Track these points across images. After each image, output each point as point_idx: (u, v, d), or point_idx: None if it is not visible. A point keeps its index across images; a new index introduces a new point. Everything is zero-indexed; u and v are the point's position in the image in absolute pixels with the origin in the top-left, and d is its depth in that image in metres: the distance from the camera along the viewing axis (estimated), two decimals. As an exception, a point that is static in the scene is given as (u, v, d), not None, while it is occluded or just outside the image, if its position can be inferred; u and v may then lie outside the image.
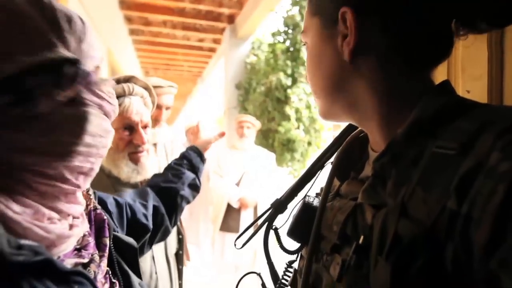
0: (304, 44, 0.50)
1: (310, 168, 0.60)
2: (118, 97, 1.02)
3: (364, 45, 0.41)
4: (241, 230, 2.75)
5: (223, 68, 4.95)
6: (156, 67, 7.50)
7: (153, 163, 1.09)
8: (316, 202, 0.51)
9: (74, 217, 0.47)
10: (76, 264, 0.44)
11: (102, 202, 0.71)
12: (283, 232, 0.58)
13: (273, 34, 4.43)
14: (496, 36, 0.65)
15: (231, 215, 2.76)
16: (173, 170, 1.08)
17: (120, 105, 1.01)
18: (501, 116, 0.32)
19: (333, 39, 0.43)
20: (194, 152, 1.16)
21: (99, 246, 0.51)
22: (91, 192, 0.55)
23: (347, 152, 0.51)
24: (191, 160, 1.13)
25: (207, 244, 3.13)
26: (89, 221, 0.52)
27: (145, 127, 1.06)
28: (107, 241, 0.52)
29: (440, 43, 0.42)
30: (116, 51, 4.67)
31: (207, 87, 8.39)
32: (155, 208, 0.93)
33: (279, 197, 0.61)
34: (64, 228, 0.43)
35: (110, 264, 0.52)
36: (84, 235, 0.48)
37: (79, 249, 0.46)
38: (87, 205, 0.53)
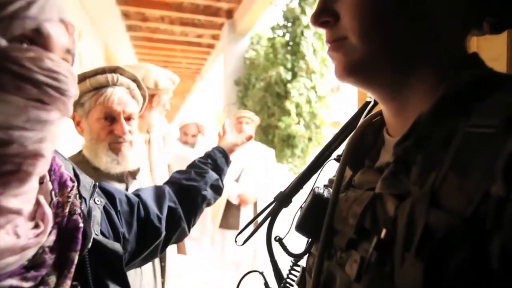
0: None
1: (317, 158, 0.55)
2: (101, 87, 0.99)
3: None
4: (241, 227, 2.72)
5: (222, 65, 4.90)
6: (154, 64, 7.44)
7: (137, 154, 1.06)
8: (327, 193, 0.46)
9: (35, 226, 0.37)
10: None
11: (110, 197, 0.67)
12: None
13: (273, 28, 4.37)
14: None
15: (230, 212, 2.73)
16: (197, 168, 1.04)
17: (102, 94, 0.99)
18: None
19: None
20: (220, 153, 1.12)
21: (66, 262, 0.40)
22: (72, 193, 0.45)
23: (360, 138, 0.46)
24: (216, 160, 1.09)
25: (206, 242, 3.10)
26: (58, 230, 0.41)
27: (128, 118, 1.04)
28: (76, 256, 0.41)
29: None
30: (113, 48, 4.62)
31: (206, 84, 8.33)
32: (171, 209, 0.88)
33: (283, 189, 0.56)
34: None
35: (83, 277, 0.42)
36: (43, 251, 0.38)
37: (28, 268, 0.36)
38: (63, 210, 0.42)
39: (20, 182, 0.35)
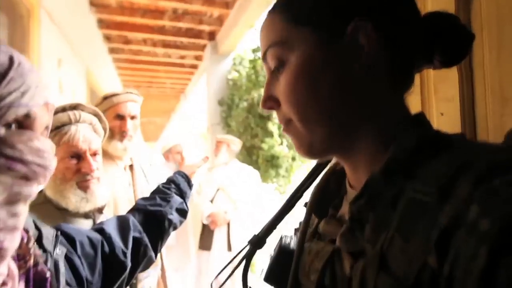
0: (278, 64, 0.41)
1: (289, 200, 0.57)
2: (64, 125, 0.98)
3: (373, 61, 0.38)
4: (213, 249, 2.75)
5: (205, 85, 4.94)
6: (138, 85, 7.42)
7: (105, 190, 1.04)
8: (293, 242, 0.48)
9: (2, 284, 0.38)
10: None
11: (70, 241, 0.66)
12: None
13: (254, 50, 4.46)
14: (466, 57, 0.65)
15: (204, 232, 2.79)
16: (161, 193, 1.07)
17: (65, 133, 0.97)
18: (476, 157, 0.31)
19: (338, 54, 0.39)
20: (182, 177, 1.16)
21: None
22: (31, 244, 0.46)
23: (324, 186, 0.49)
24: (178, 184, 1.12)
25: (191, 266, 3.08)
26: (26, 282, 0.42)
27: (94, 154, 1.03)
28: None
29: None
30: (96, 71, 4.60)
31: (190, 104, 8.35)
32: (136, 240, 0.89)
33: (257, 232, 0.58)
34: None
35: None
36: None
37: None
38: (25, 261, 0.43)
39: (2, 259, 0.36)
